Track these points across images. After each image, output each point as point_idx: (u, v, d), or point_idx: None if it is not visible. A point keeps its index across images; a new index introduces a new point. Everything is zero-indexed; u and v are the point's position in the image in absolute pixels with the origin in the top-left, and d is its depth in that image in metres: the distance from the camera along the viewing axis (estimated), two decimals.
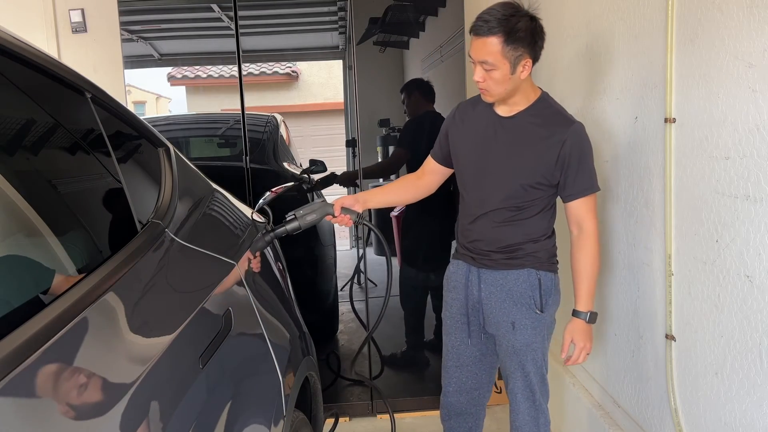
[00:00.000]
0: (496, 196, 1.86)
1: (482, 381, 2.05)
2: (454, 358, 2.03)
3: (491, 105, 1.87)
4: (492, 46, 1.69)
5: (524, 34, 1.68)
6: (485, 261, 1.91)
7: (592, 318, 1.85)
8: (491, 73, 1.73)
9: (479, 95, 1.86)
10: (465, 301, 1.97)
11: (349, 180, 2.96)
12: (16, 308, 0.84)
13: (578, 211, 1.82)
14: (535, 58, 1.75)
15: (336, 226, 2.19)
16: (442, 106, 2.86)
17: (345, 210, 1.89)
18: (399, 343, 3.06)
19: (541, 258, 1.88)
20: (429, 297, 3.03)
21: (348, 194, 3.03)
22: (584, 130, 1.80)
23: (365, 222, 1.89)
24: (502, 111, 1.86)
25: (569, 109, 2.42)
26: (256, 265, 1.69)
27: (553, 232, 1.92)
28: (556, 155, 1.77)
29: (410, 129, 2.90)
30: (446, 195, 2.45)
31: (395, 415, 2.86)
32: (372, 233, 3.00)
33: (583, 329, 1.85)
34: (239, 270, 1.49)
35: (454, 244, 2.12)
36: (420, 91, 2.88)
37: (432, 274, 2.98)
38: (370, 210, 3.01)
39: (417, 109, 2.89)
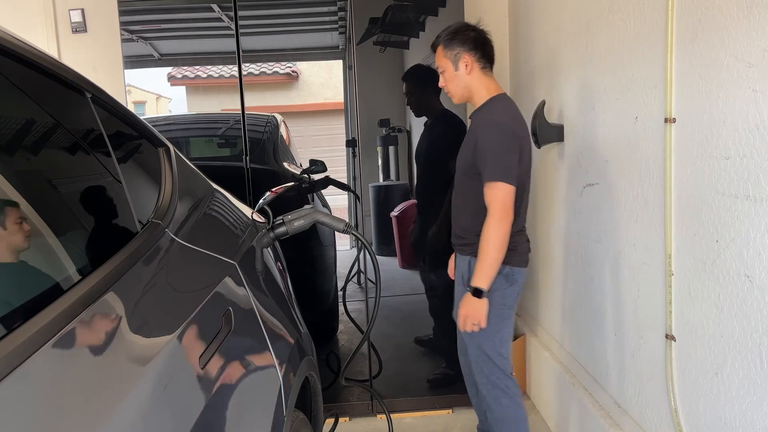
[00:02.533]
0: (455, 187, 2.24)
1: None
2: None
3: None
4: (438, 53, 2.10)
5: (461, 38, 2.04)
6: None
7: (476, 293, 2.02)
8: (443, 75, 2.11)
9: None
10: None
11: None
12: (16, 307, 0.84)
13: (485, 196, 2.02)
14: (479, 58, 2.05)
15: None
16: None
17: None
18: (398, 343, 3.06)
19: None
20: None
21: (346, 198, 3.06)
22: (496, 126, 2.03)
23: (354, 232, 1.89)
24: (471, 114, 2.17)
25: (569, 110, 2.43)
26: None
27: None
28: (473, 148, 2.06)
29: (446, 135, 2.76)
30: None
31: (395, 415, 2.87)
32: (372, 233, 3.00)
33: (468, 300, 2.03)
34: (239, 270, 1.49)
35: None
36: (433, 87, 2.36)
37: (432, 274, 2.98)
38: (371, 210, 3.01)
39: (433, 107, 2.78)
